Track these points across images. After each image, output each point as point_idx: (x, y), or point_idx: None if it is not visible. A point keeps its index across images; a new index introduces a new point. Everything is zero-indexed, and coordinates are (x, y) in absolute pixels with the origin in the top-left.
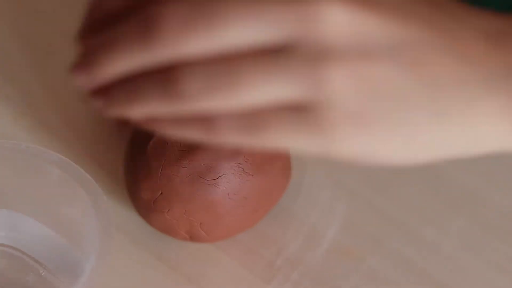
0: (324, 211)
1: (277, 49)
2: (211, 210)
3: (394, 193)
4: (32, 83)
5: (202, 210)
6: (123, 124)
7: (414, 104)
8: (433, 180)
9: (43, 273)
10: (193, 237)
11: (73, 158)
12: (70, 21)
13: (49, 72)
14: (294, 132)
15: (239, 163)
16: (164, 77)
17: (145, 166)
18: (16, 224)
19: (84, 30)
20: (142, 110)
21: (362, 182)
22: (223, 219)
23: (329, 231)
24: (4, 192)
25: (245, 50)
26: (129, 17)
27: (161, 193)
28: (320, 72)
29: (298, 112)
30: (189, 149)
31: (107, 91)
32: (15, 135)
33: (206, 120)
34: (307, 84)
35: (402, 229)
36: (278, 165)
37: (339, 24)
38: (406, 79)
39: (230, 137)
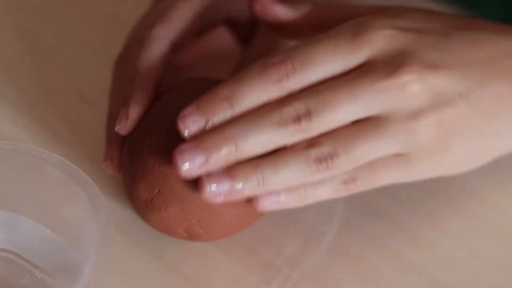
0: (324, 211)
1: (372, 118)
2: (208, 207)
3: (393, 193)
4: (32, 83)
5: (199, 208)
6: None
7: (475, 130)
8: (433, 180)
9: (39, 276)
10: (191, 236)
11: (72, 159)
12: (70, 21)
13: (49, 72)
14: (394, 172)
15: None
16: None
17: (142, 165)
18: (15, 226)
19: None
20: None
21: None
22: (221, 216)
23: (329, 231)
24: (3, 193)
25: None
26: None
27: (158, 191)
28: (411, 129)
29: (396, 158)
30: None
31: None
32: (14, 136)
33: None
34: (403, 141)
35: (402, 229)
36: None
37: (417, 92)
38: (473, 113)
39: (353, 188)
